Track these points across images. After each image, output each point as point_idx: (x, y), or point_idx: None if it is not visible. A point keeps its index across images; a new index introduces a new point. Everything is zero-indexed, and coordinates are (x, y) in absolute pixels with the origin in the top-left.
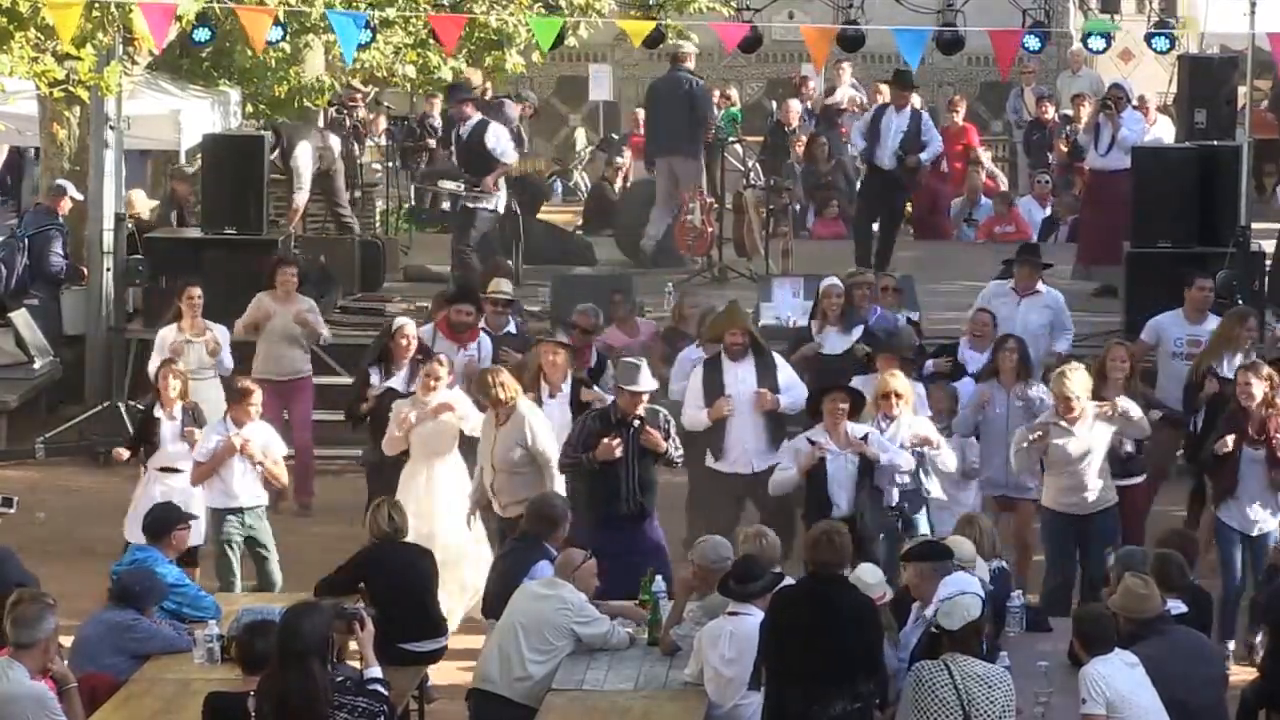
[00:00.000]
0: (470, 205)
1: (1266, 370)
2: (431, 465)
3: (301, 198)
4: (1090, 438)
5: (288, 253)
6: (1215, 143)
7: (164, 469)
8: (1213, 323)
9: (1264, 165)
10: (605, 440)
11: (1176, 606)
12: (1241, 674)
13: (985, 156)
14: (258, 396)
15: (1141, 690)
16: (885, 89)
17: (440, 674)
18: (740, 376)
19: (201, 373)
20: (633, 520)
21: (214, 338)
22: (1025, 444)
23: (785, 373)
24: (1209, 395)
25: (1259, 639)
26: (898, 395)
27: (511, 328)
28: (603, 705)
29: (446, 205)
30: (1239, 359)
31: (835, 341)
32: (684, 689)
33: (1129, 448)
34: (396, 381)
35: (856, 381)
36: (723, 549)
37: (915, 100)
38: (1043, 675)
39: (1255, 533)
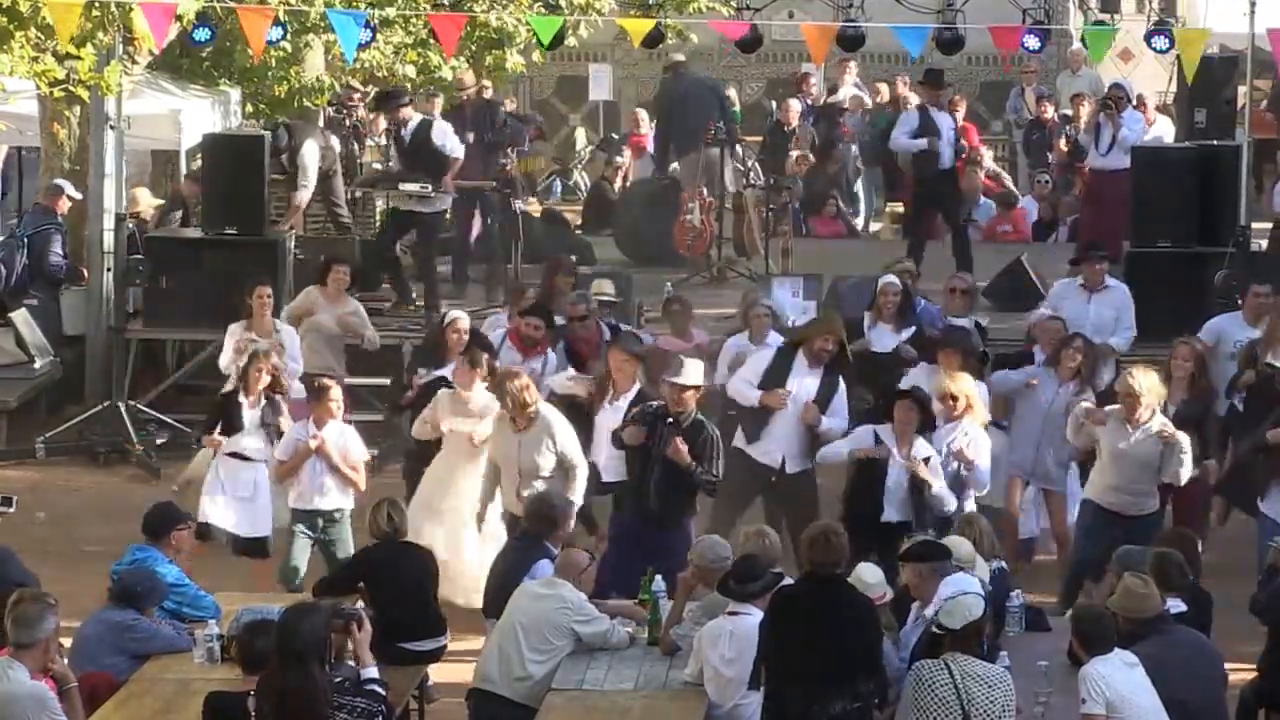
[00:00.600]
0: (423, 210)
1: None
2: (463, 464)
3: (305, 195)
4: (1147, 445)
5: (274, 256)
6: (1215, 142)
7: (233, 454)
8: None
9: (1264, 165)
10: (631, 426)
11: (1176, 606)
12: (1241, 673)
13: (988, 156)
14: (336, 392)
15: (1141, 690)
16: (885, 88)
17: (440, 673)
18: (805, 379)
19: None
20: (649, 521)
21: (278, 339)
22: (1083, 420)
23: (841, 399)
24: (1247, 382)
25: None
26: (954, 398)
27: (608, 334)
28: (603, 705)
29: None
30: None
31: (885, 339)
32: (684, 689)
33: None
34: (446, 370)
35: (917, 371)
36: (721, 549)
37: (914, 100)
38: (1042, 675)
39: None
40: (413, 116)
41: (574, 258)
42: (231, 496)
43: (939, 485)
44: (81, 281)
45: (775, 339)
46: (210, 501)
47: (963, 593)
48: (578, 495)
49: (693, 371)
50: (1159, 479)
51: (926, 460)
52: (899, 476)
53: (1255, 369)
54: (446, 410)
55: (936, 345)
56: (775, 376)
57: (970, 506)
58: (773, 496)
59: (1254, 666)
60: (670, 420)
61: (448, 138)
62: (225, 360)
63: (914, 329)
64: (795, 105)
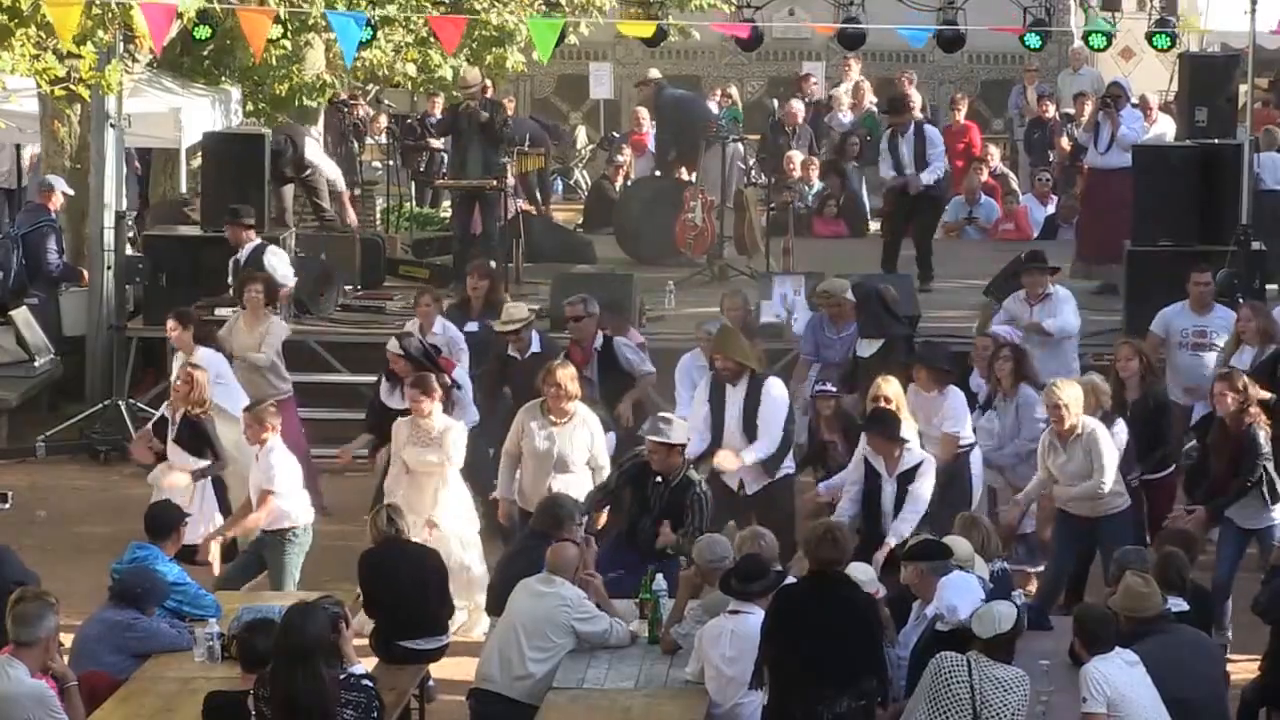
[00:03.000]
0: None
1: (1242, 381)
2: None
3: (341, 184)
4: (1079, 457)
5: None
6: (1216, 141)
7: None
8: (1220, 314)
9: None
10: (602, 511)
11: (1178, 605)
12: (1242, 672)
13: (995, 154)
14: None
15: (1142, 689)
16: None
17: (441, 671)
18: (736, 401)
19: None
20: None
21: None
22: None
23: (765, 418)
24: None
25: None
26: (887, 400)
27: (536, 346)
28: (603, 704)
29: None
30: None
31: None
32: (684, 688)
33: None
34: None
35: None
36: (721, 548)
37: (917, 100)
38: (1044, 674)
39: (1261, 526)
40: (250, 239)
41: (492, 263)
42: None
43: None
44: (80, 282)
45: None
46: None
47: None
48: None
49: (678, 431)
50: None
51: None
52: (891, 495)
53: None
54: (404, 440)
55: (916, 365)
56: (715, 410)
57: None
58: (740, 514)
59: (1249, 658)
60: (659, 479)
61: (280, 263)
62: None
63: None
64: (797, 106)
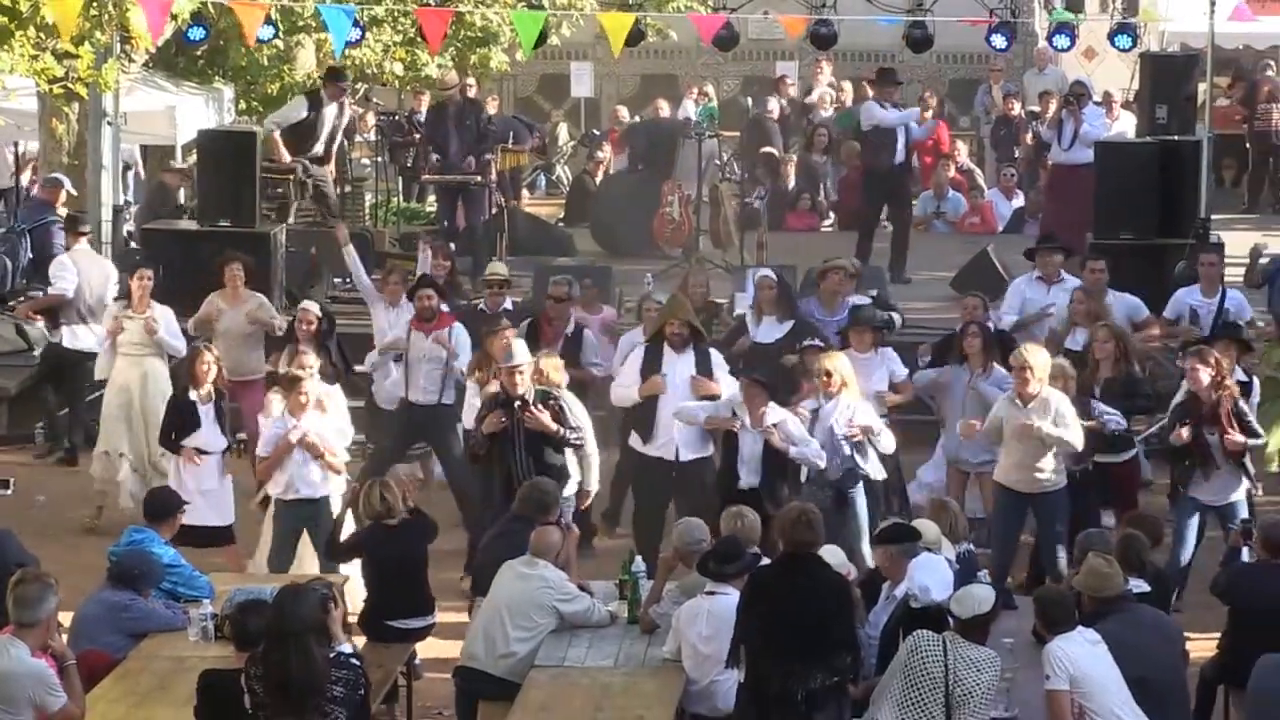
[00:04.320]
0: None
1: (1214, 357)
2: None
3: (331, 148)
4: (1039, 416)
5: (266, 248)
6: (1176, 137)
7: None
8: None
9: (1222, 159)
10: (491, 414)
11: (1139, 586)
12: (1201, 651)
13: (962, 150)
14: (311, 386)
15: (1103, 667)
16: (848, 86)
17: (428, 649)
18: (678, 365)
19: (136, 349)
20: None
21: (151, 316)
22: (994, 425)
23: (722, 369)
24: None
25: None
26: (829, 374)
27: (508, 305)
28: (584, 681)
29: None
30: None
31: (768, 331)
32: (662, 666)
33: (1112, 425)
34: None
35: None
36: (699, 531)
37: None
38: (1008, 652)
39: (1223, 502)
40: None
41: (452, 246)
42: (196, 490)
43: (795, 450)
44: None
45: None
46: (201, 502)
47: (963, 583)
48: (592, 481)
49: (519, 352)
50: (1063, 455)
51: (776, 425)
52: (753, 445)
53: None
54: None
55: (850, 330)
56: (649, 370)
57: (875, 466)
58: (677, 487)
59: (1208, 637)
60: (518, 401)
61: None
62: (103, 364)
63: (793, 322)
64: (773, 104)
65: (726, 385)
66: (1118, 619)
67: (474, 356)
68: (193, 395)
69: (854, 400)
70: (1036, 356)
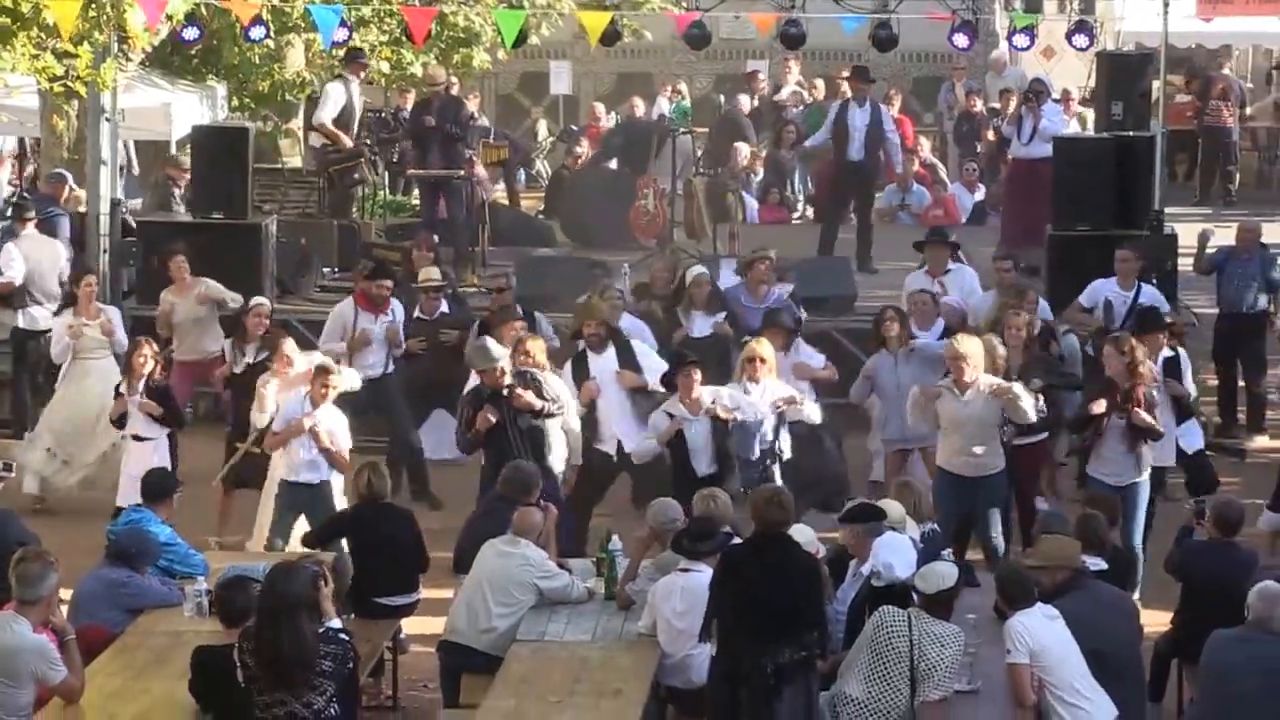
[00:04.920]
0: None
1: (1129, 344)
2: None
3: (324, 116)
4: (979, 405)
5: (258, 240)
6: (1131, 133)
7: (134, 436)
8: (1144, 287)
9: (1176, 154)
10: (480, 414)
11: (1097, 563)
12: (1155, 625)
13: (926, 146)
14: (336, 379)
15: (1062, 641)
16: (820, 83)
17: (413, 625)
18: (603, 364)
19: (97, 353)
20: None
21: (106, 319)
22: (918, 402)
23: (646, 356)
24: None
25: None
26: (762, 360)
27: (445, 308)
28: (563, 655)
29: None
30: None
31: (701, 325)
32: (638, 640)
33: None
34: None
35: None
36: (673, 511)
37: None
38: (971, 627)
39: (1125, 483)
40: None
41: (435, 237)
42: (136, 475)
43: (739, 413)
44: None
45: (628, 322)
46: (132, 486)
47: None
48: (578, 454)
49: (495, 353)
50: (1001, 435)
51: (712, 402)
52: (699, 433)
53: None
54: (275, 393)
55: (764, 330)
56: (580, 376)
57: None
58: (627, 473)
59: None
60: (504, 392)
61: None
62: (57, 350)
63: (724, 313)
64: (744, 101)
65: (651, 369)
66: (1075, 595)
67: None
68: (123, 388)
69: (772, 382)
70: (970, 345)
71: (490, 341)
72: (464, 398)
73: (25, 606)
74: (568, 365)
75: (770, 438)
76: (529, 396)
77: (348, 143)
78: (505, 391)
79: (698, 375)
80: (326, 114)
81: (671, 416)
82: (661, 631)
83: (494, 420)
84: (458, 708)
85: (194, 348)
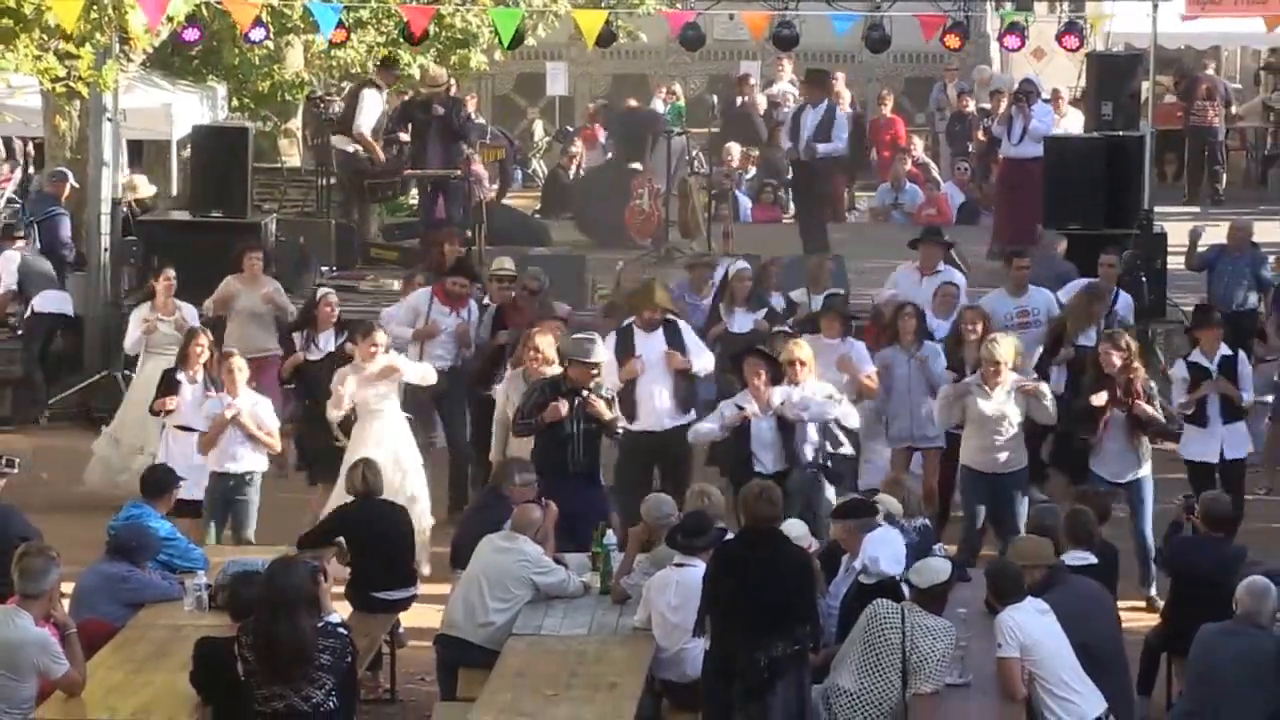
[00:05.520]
0: None
1: (1125, 340)
2: (373, 423)
3: (364, 127)
4: (1006, 403)
5: (257, 238)
6: (1121, 133)
7: (181, 427)
8: (1034, 294)
9: (1165, 154)
10: (553, 404)
11: (1085, 558)
12: (1145, 620)
13: (919, 145)
14: (239, 362)
15: (1053, 635)
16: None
17: (411, 619)
18: (651, 344)
19: (169, 349)
20: (579, 480)
21: (182, 316)
22: (949, 399)
23: (691, 338)
24: (1067, 358)
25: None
26: (801, 363)
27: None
28: (559, 649)
29: None
30: (1092, 331)
31: (741, 320)
32: (633, 634)
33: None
34: (326, 345)
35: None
36: (667, 506)
37: (847, 96)
38: (962, 622)
39: (1127, 479)
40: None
41: (468, 232)
42: (184, 465)
43: (807, 413)
44: (83, 267)
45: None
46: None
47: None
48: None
49: (598, 351)
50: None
51: (782, 403)
52: (764, 427)
53: (1074, 348)
54: (352, 384)
55: (823, 314)
56: (624, 353)
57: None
58: (662, 456)
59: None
60: (583, 393)
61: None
62: (131, 341)
63: (766, 309)
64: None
65: (698, 354)
66: (1060, 590)
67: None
68: (180, 375)
69: (814, 383)
70: (1005, 349)
71: (598, 339)
72: (539, 383)
73: (28, 600)
74: (611, 337)
75: (818, 439)
76: (601, 406)
77: (382, 156)
78: (584, 393)
79: (765, 372)
80: (365, 123)
81: (741, 409)
82: (656, 626)
83: (563, 414)
84: (455, 701)
85: (247, 342)
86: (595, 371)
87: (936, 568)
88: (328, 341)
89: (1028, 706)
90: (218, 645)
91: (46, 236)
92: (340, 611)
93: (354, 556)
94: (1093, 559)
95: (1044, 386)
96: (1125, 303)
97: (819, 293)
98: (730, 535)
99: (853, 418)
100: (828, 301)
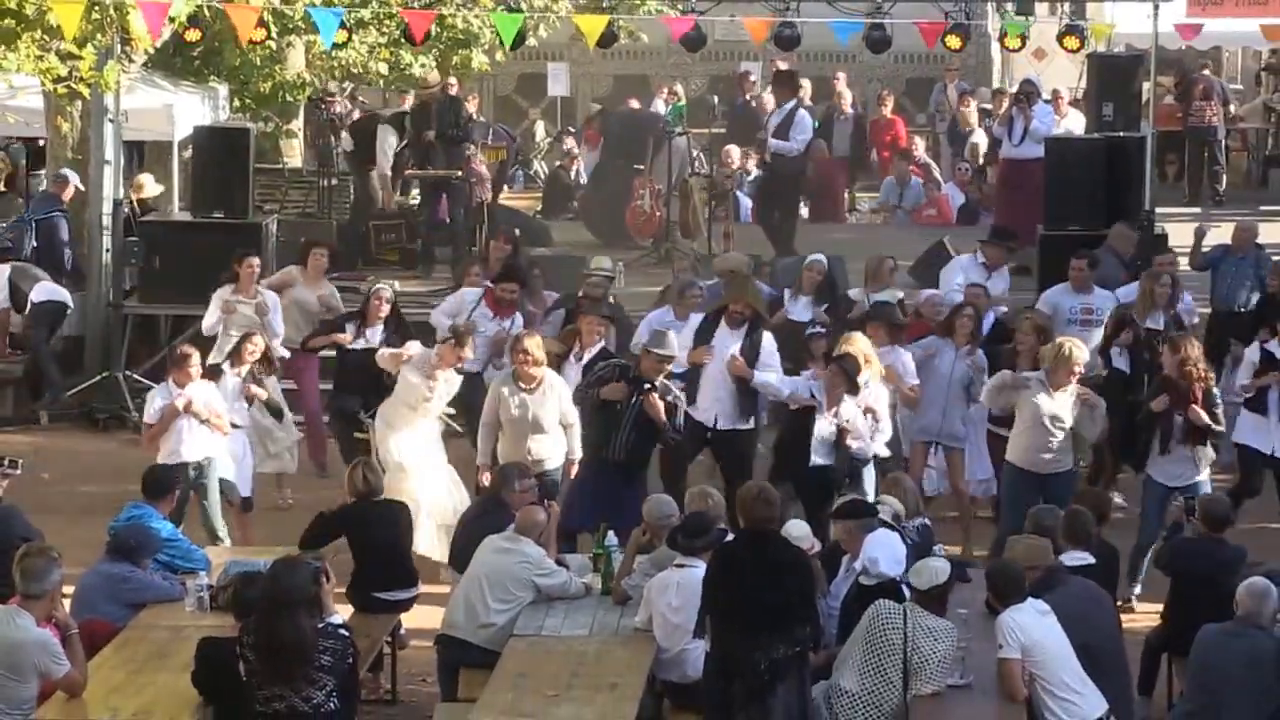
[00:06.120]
0: None
1: (1185, 344)
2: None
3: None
4: (1065, 405)
5: (323, 234)
6: (1121, 134)
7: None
8: (1097, 293)
9: (1166, 155)
10: (615, 384)
11: (1082, 558)
12: (1145, 620)
13: (920, 145)
14: (196, 359)
15: (1054, 636)
16: (807, 84)
17: (412, 619)
18: (727, 340)
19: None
20: (616, 472)
21: (263, 300)
22: (1003, 388)
23: (768, 350)
24: (1127, 342)
25: (1136, 591)
26: (866, 360)
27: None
28: (560, 650)
29: None
30: (1159, 314)
31: (802, 309)
32: (634, 635)
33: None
34: (374, 339)
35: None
36: (668, 507)
37: (848, 96)
38: (963, 622)
39: (1185, 484)
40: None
41: (517, 232)
42: (227, 463)
43: (858, 445)
44: (81, 282)
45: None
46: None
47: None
48: (576, 449)
49: (671, 344)
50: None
51: (849, 420)
52: (826, 429)
53: (1135, 332)
54: (420, 371)
55: (870, 322)
56: (701, 340)
57: (881, 450)
58: (711, 451)
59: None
60: (648, 384)
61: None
62: (210, 320)
63: (827, 305)
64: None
65: (766, 366)
66: (1060, 591)
67: (562, 332)
68: (226, 367)
69: (876, 386)
70: (1080, 353)
71: (673, 335)
72: (608, 364)
73: (29, 601)
74: (692, 320)
75: (866, 454)
76: (660, 408)
77: (391, 201)
78: (648, 385)
79: (845, 385)
80: (387, 164)
81: (813, 396)
82: (657, 626)
83: (620, 396)
84: (456, 702)
85: (295, 335)
86: (666, 365)
87: (936, 569)
88: (375, 335)
89: (1028, 707)
90: (220, 645)
91: (44, 237)
92: (341, 612)
93: (356, 557)
94: (1090, 559)
95: (1099, 401)
96: (1187, 303)
97: (876, 291)
98: (730, 536)
99: (880, 447)
100: (874, 309)
